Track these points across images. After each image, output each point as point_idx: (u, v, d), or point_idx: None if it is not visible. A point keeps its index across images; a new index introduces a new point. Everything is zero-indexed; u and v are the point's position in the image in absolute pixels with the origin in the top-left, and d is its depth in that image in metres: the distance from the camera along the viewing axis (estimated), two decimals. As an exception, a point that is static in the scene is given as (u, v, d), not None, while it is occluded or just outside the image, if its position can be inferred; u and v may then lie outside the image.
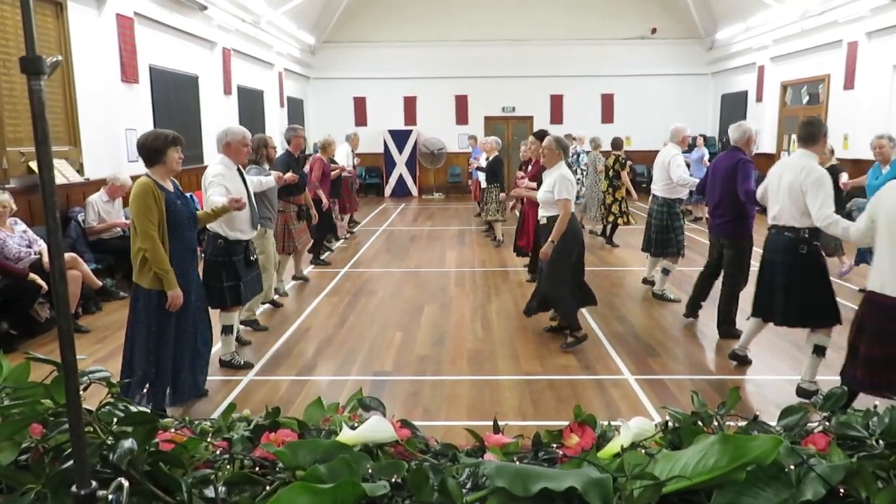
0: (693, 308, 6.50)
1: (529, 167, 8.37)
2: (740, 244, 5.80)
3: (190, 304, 4.16)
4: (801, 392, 4.64)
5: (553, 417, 4.22)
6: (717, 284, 6.13)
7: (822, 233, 4.53)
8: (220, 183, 4.88)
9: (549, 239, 5.40)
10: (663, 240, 7.27)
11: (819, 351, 4.62)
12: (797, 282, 4.57)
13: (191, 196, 10.49)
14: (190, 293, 4.16)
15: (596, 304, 5.96)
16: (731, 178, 5.67)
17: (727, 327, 5.95)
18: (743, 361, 5.27)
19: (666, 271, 7.42)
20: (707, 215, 6.26)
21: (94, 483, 0.86)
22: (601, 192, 11.09)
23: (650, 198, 7.67)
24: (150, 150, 4.04)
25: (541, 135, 6.94)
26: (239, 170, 5.20)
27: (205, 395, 4.60)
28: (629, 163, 11.08)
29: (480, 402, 4.57)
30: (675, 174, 7.11)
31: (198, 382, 4.34)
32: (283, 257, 7.40)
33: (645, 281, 7.94)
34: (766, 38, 15.03)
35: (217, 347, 5.17)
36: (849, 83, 12.18)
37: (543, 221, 5.64)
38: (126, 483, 0.87)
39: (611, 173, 10.77)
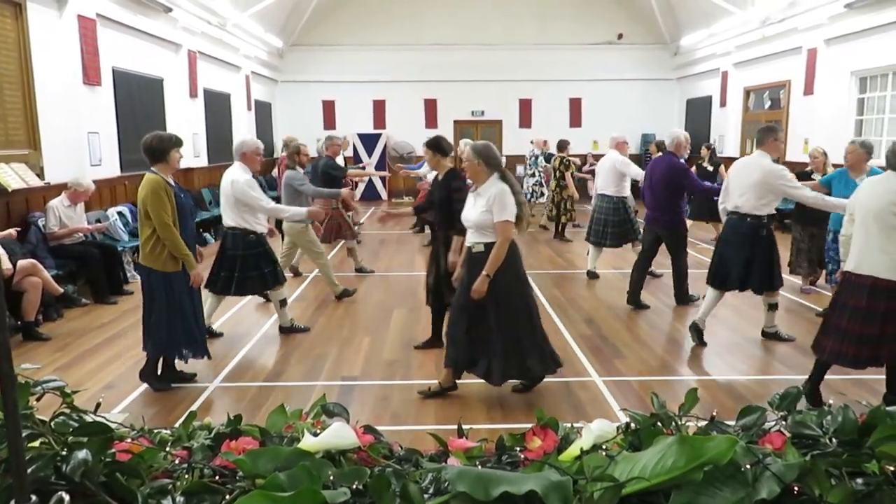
0: (636, 299, 7.19)
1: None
2: (678, 233, 6.93)
3: (187, 283, 4.77)
4: (766, 335, 5.93)
5: (521, 420, 4.24)
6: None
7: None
8: (254, 186, 5.78)
9: (484, 272, 4.29)
10: (622, 231, 8.36)
11: (773, 307, 5.87)
12: (758, 258, 5.53)
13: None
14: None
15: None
16: (667, 181, 6.76)
17: (684, 296, 7.14)
18: (700, 336, 5.84)
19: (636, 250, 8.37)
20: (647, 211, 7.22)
21: (33, 497, 0.84)
22: (551, 192, 11.72)
23: (597, 197, 8.59)
24: (155, 151, 4.63)
25: (434, 144, 5.54)
26: (253, 176, 5.97)
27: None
28: (573, 163, 11.60)
29: (449, 406, 4.57)
30: (635, 173, 8.30)
31: (205, 341, 5.01)
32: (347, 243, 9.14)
33: (590, 274, 8.67)
34: (728, 45, 15.32)
35: (273, 319, 6.56)
36: (808, 89, 12.48)
37: (480, 248, 4.42)
38: (67, 497, 0.85)
39: (557, 174, 11.39)
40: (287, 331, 6.25)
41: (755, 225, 5.50)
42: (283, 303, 6.24)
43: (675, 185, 6.78)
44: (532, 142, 13.88)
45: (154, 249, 4.56)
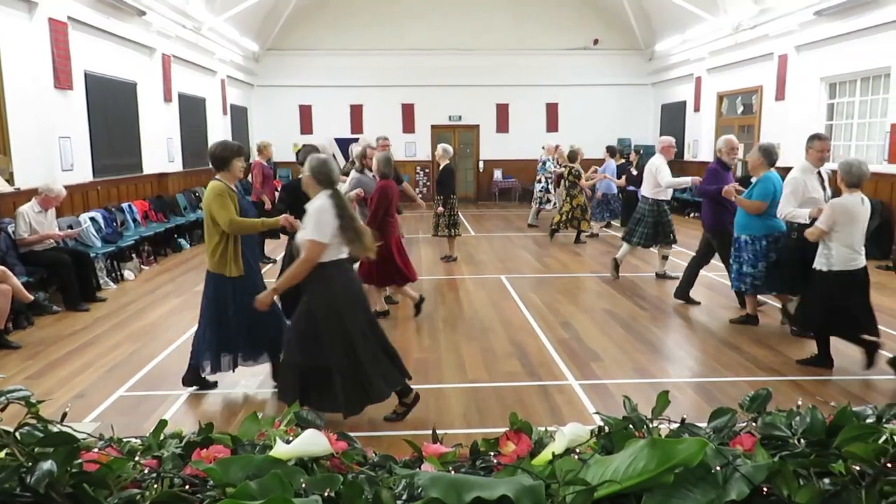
0: (684, 293, 7.44)
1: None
2: (720, 234, 7.02)
3: (258, 285, 4.76)
4: (795, 333, 6.13)
5: (498, 424, 4.24)
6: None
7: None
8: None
9: (273, 286, 4.16)
10: (656, 233, 8.53)
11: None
12: (784, 261, 5.88)
13: (129, 206, 10.23)
14: (258, 277, 4.90)
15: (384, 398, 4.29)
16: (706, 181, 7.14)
17: (684, 293, 7.46)
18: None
19: (665, 257, 8.89)
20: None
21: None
22: (561, 201, 11.86)
23: (640, 199, 8.82)
24: (218, 159, 4.71)
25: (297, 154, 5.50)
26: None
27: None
28: (581, 172, 11.74)
29: (426, 411, 4.56)
30: (663, 180, 8.42)
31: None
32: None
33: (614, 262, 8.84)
34: (702, 51, 15.53)
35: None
36: (780, 94, 12.69)
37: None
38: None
39: (566, 184, 11.58)
40: None
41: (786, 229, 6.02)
42: None
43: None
44: (543, 147, 13.95)
45: (224, 256, 4.64)
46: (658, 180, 8.39)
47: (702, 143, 16.07)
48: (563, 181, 11.65)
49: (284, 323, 4.90)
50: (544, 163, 13.41)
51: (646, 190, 8.60)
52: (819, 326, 5.29)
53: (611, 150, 12.86)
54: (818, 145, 5.78)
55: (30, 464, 0.98)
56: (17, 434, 1.05)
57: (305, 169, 4.19)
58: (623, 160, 12.52)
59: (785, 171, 6.04)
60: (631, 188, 11.39)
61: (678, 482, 0.96)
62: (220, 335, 4.76)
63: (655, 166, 8.48)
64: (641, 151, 13.26)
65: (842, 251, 5.01)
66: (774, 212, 5.96)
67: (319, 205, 4.01)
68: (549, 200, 13.45)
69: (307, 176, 4.15)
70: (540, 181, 13.60)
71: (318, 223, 3.95)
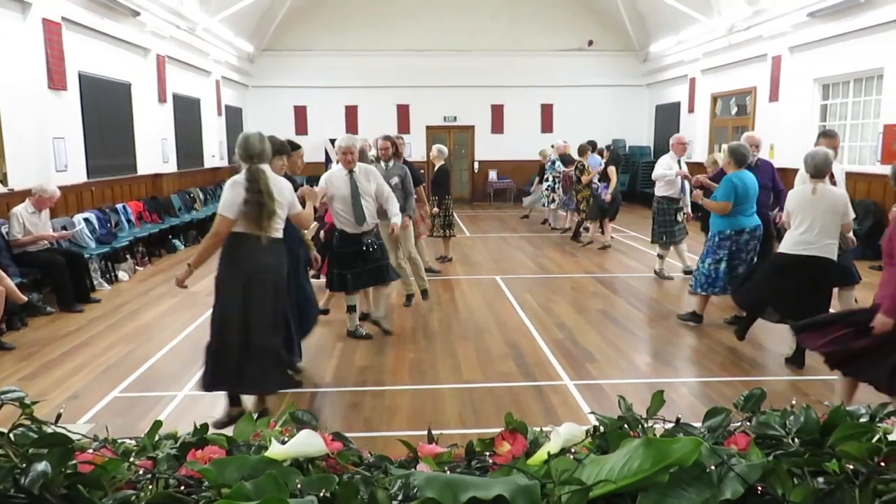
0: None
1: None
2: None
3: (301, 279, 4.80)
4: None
5: (493, 425, 4.24)
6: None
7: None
8: (329, 181, 5.84)
9: (188, 262, 4.20)
10: (656, 230, 8.74)
11: None
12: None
13: (123, 206, 10.20)
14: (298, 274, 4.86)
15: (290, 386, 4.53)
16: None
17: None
18: None
19: (661, 256, 8.84)
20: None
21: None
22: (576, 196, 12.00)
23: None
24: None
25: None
26: (351, 172, 5.84)
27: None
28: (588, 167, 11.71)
29: (422, 411, 4.56)
30: (654, 173, 8.56)
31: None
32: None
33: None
34: (696, 52, 15.57)
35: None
36: (773, 95, 12.73)
37: None
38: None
39: (575, 177, 11.73)
40: (351, 335, 6.26)
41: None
42: (350, 308, 6.25)
43: None
44: (553, 146, 13.89)
45: None
46: (656, 171, 8.58)
47: (696, 144, 16.09)
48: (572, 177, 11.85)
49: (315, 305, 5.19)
50: (553, 162, 13.32)
51: (656, 187, 8.79)
52: (751, 302, 5.60)
53: (592, 146, 12.77)
54: (824, 142, 5.88)
55: (24, 465, 0.98)
56: (11, 435, 1.05)
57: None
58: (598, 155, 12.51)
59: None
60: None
61: (673, 481, 0.97)
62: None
63: (658, 162, 8.67)
64: (612, 147, 13.35)
65: (794, 235, 5.16)
66: (740, 210, 6.02)
67: (234, 179, 4.07)
68: (553, 200, 13.42)
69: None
70: (547, 179, 13.52)
71: (227, 197, 4.00)
